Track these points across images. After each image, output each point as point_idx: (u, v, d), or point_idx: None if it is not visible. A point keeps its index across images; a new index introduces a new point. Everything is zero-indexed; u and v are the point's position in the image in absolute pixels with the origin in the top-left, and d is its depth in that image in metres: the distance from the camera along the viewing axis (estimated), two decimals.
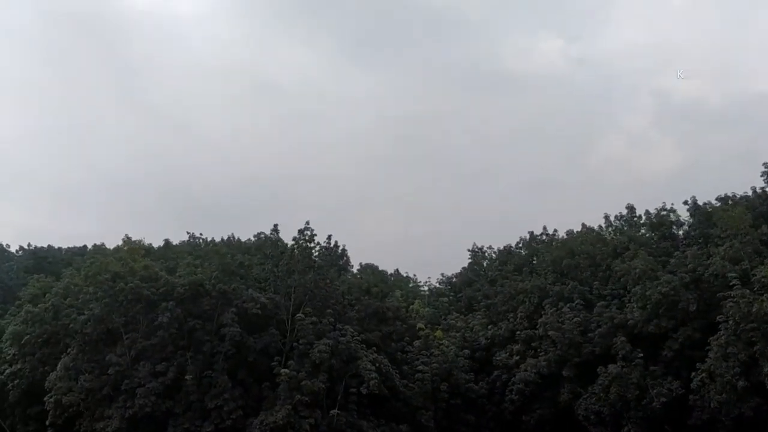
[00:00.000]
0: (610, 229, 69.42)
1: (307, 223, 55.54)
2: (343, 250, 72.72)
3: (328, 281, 55.02)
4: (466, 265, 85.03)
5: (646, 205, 72.18)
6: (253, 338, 50.42)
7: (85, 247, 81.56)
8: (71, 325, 49.21)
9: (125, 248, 54.28)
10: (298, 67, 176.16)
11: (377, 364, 49.02)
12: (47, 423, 49.52)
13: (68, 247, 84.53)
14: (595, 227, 70.41)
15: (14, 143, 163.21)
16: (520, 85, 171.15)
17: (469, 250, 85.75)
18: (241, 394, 48.67)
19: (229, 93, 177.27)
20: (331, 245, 55.29)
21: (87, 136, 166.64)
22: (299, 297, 53.48)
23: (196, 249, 68.02)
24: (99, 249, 65.65)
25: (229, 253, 55.15)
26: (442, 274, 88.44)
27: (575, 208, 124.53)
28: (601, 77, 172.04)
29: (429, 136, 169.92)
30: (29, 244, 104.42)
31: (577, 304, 55.33)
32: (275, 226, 55.42)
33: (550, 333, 53.33)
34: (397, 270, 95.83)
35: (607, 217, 69.33)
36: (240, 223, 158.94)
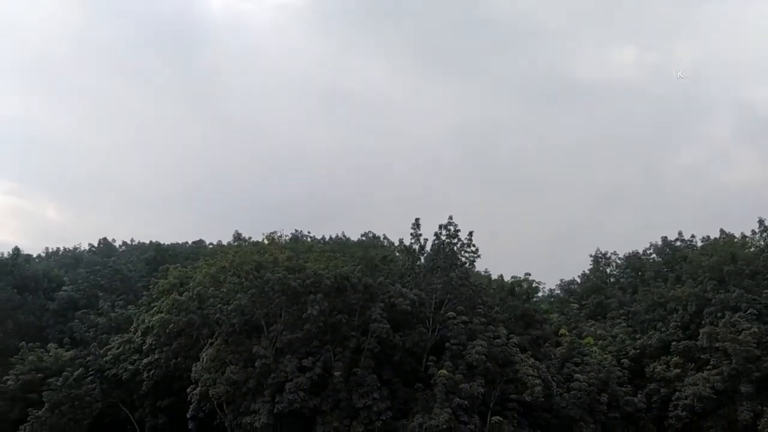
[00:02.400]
0: (764, 235, 63.59)
1: (450, 218, 52.73)
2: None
3: (472, 279, 51.87)
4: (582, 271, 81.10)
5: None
6: (399, 336, 47.83)
7: (201, 241, 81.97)
8: (217, 315, 47.92)
9: (265, 241, 52.83)
10: (369, 75, 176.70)
11: (537, 371, 45.40)
12: (188, 415, 48.28)
13: (182, 242, 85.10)
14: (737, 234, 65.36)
15: (104, 155, 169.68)
16: (593, 94, 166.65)
17: (591, 256, 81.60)
18: (388, 394, 46.11)
19: (303, 101, 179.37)
20: (472, 243, 52.04)
21: (166, 146, 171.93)
22: (441, 295, 50.66)
23: (309, 247, 66.45)
24: (223, 247, 64.71)
25: (371, 247, 52.81)
26: (561, 280, 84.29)
27: (652, 218, 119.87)
28: (679, 87, 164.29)
29: (497, 146, 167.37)
30: (132, 240, 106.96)
31: (749, 313, 50.03)
32: (417, 220, 52.68)
33: (721, 345, 48.27)
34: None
35: (761, 222, 63.61)
36: (313, 227, 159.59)
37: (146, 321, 53.59)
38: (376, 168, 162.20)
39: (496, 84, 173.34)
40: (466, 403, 42.93)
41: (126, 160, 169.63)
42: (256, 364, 45.94)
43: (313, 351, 47.25)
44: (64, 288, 70.84)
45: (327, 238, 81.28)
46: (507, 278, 73.66)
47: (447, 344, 46.56)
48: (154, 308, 53.84)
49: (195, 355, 53.29)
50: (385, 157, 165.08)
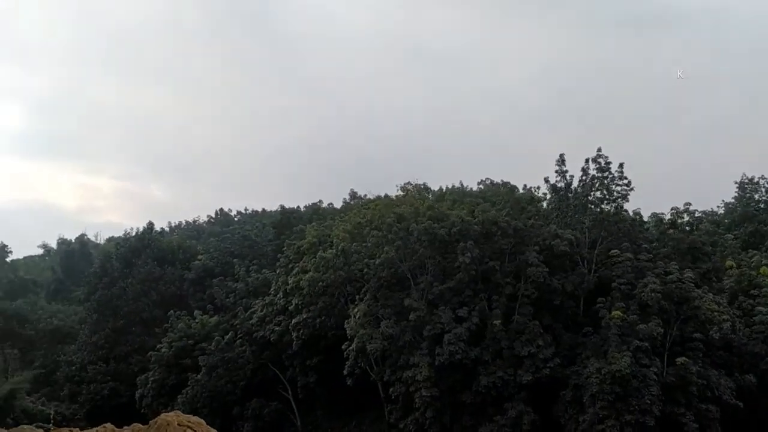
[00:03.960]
0: None
1: (599, 150, 48.41)
2: None
3: (628, 213, 47.86)
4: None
5: None
6: (557, 279, 44.96)
7: (319, 202, 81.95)
8: (364, 270, 46.91)
9: (406, 194, 50.95)
10: (452, 26, 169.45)
11: (719, 306, 41.30)
12: (345, 372, 47.95)
13: (305, 206, 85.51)
14: None
15: (195, 130, 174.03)
16: (690, 22, 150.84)
17: (736, 183, 74.65)
18: (552, 341, 43.62)
19: (383, 60, 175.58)
20: (624, 175, 47.66)
21: (254, 117, 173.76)
22: (595, 233, 47.07)
23: (441, 196, 64.11)
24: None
25: (516, 189, 49.80)
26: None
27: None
28: None
29: (589, 85, 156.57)
30: (246, 209, 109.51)
31: None
32: (561, 156, 48.88)
33: None
34: None
35: None
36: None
37: (290, 282, 53.57)
38: (462, 118, 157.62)
39: (587, 21, 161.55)
40: (646, 344, 39.68)
41: (219, 135, 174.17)
42: (410, 317, 44.59)
43: (466, 301, 45.29)
44: (199, 257, 72.91)
45: (444, 188, 79.03)
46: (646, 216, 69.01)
47: (613, 284, 43.20)
48: (296, 269, 53.70)
49: (338, 312, 53.03)
50: (471, 106, 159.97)
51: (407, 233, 46.18)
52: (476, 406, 43.53)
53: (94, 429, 26.81)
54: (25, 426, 23.74)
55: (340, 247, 47.91)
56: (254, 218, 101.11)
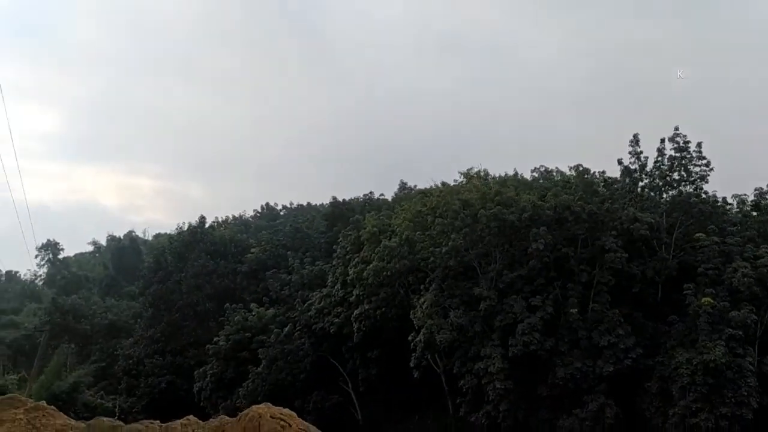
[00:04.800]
0: None
1: (676, 128, 45.84)
2: None
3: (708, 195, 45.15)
4: None
5: None
6: (635, 265, 42.63)
7: (370, 193, 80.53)
8: (430, 258, 45.30)
9: (468, 180, 49.13)
10: (482, 17, 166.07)
11: None
12: (412, 364, 46.46)
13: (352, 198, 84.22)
14: None
15: (227, 131, 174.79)
16: None
17: None
18: (632, 330, 41.37)
19: (416, 49, 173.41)
20: (702, 155, 44.92)
21: (293, 113, 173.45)
22: (675, 216, 44.51)
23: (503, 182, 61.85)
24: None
25: (587, 171, 47.51)
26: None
27: None
28: None
29: (628, 64, 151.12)
30: (291, 203, 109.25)
31: None
32: (635, 136, 46.30)
33: None
34: None
35: None
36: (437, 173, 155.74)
37: (350, 273, 52.32)
38: (502, 106, 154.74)
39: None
40: (739, 333, 37.17)
41: (257, 134, 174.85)
42: (481, 306, 42.88)
43: (539, 289, 43.35)
44: (252, 250, 72.34)
45: (498, 175, 76.77)
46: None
47: (699, 269, 40.69)
48: (356, 259, 52.43)
49: (398, 303, 51.72)
50: (502, 92, 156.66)
51: (474, 220, 44.37)
52: (553, 399, 41.64)
53: (178, 421, 25.85)
54: (103, 418, 22.66)
55: (403, 236, 46.35)
56: (300, 212, 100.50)
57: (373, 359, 53.22)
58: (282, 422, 22.85)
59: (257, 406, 24.10)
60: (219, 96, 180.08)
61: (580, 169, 47.19)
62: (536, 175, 75.08)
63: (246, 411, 23.58)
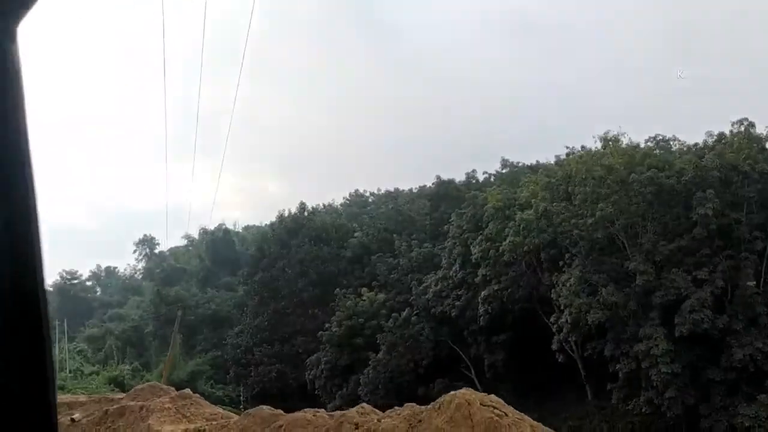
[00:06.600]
0: None
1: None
2: None
3: None
4: None
5: None
6: None
7: (473, 171, 76.80)
8: (574, 231, 41.11)
9: (606, 145, 44.47)
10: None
11: None
12: (554, 347, 42.61)
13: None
14: None
15: (308, 125, 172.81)
16: None
17: None
18: None
19: (477, 33, 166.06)
20: None
21: (360, 106, 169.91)
22: None
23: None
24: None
25: (752, 125, 41.87)
26: None
27: None
28: None
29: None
30: (379, 189, 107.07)
31: None
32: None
33: None
34: None
35: None
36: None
37: (474, 251, 48.80)
38: (574, 91, 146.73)
39: None
40: None
41: (326, 130, 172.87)
42: (637, 281, 38.38)
43: (704, 261, 38.41)
44: (355, 234, 70.18)
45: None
46: None
47: None
48: (478, 237, 48.85)
49: (525, 283, 47.97)
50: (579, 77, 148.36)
51: (623, 186, 39.80)
52: (729, 384, 36.71)
53: (353, 409, 23.07)
54: (264, 407, 20.15)
55: (540, 208, 42.30)
56: (389, 198, 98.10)
57: (499, 344, 49.75)
58: (496, 411, 19.42)
59: (461, 391, 20.73)
60: (288, 90, 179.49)
61: (746, 122, 41.34)
62: (651, 145, 69.39)
63: (446, 397, 20.26)
